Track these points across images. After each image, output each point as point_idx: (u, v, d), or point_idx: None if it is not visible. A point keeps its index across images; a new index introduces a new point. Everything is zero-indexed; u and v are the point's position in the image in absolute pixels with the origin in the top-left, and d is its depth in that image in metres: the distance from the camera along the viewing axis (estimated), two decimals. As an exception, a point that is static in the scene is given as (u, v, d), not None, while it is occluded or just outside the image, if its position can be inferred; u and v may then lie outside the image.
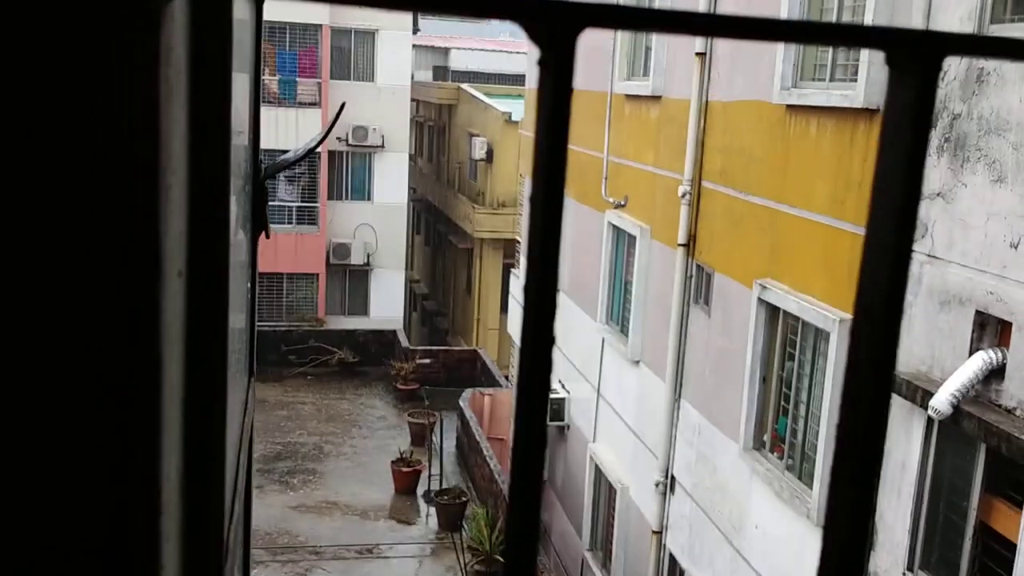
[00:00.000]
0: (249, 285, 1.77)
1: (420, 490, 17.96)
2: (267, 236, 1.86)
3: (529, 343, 0.52)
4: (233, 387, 1.24)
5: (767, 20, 0.59)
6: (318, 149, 25.46)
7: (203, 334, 0.72)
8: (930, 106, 0.60)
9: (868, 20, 7.50)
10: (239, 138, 1.42)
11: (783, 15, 8.69)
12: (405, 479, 17.89)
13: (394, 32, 26.71)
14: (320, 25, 25.69)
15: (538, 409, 0.55)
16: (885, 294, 0.56)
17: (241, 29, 1.53)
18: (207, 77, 0.68)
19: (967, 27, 6.49)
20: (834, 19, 8.27)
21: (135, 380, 0.54)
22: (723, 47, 10.17)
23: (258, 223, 1.78)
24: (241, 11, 1.39)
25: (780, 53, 8.77)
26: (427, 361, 23.35)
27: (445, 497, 16.91)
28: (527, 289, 0.54)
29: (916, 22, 6.92)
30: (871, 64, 7.46)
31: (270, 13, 24.66)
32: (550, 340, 0.54)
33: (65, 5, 0.49)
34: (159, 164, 0.51)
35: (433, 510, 17.09)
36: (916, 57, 0.59)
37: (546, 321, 0.54)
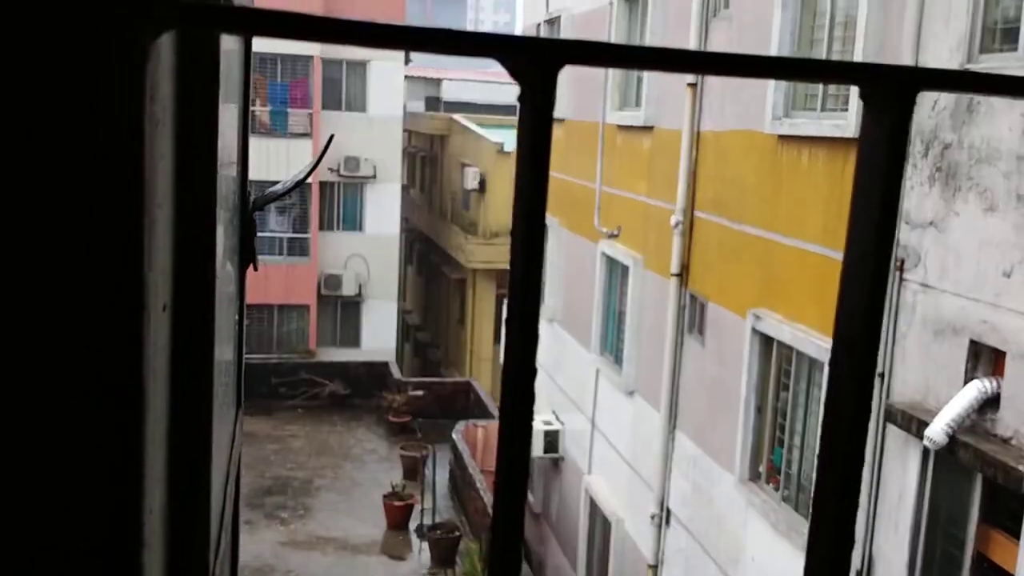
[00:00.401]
0: (237, 317, 1.77)
1: (413, 525, 17.81)
2: (255, 268, 1.86)
3: (512, 370, 0.52)
4: (220, 419, 1.23)
5: (743, 57, 0.59)
6: (308, 180, 25.53)
7: (189, 367, 0.72)
8: (904, 140, 0.60)
9: (858, 49, 7.57)
10: (227, 169, 1.43)
11: (773, 45, 8.77)
12: (397, 513, 17.74)
13: (386, 63, 26.87)
14: (311, 56, 25.83)
15: (521, 438, 0.55)
16: (863, 323, 0.56)
17: (229, 59, 1.54)
18: (194, 111, 0.68)
19: (956, 57, 6.55)
20: (824, 49, 8.35)
21: (117, 414, 0.53)
22: (715, 78, 10.25)
23: (246, 255, 1.78)
24: (229, 42, 1.39)
25: (772, 83, 8.84)
26: (419, 393, 23.25)
27: (438, 532, 16.78)
28: (508, 324, 0.54)
29: (906, 51, 6.99)
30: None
31: (261, 45, 24.81)
32: (532, 370, 0.54)
33: (50, 41, 0.49)
34: (144, 199, 0.51)
35: (426, 545, 16.94)
36: (890, 92, 0.60)
37: (528, 353, 0.54)
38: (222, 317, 1.43)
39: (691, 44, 10.45)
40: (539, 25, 16.23)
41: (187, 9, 0.51)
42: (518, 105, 0.54)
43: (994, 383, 6.11)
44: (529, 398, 0.55)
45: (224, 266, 1.53)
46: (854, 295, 0.60)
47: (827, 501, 0.60)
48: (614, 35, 12.83)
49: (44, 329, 0.52)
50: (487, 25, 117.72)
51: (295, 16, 0.50)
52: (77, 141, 0.49)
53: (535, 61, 0.55)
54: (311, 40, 0.50)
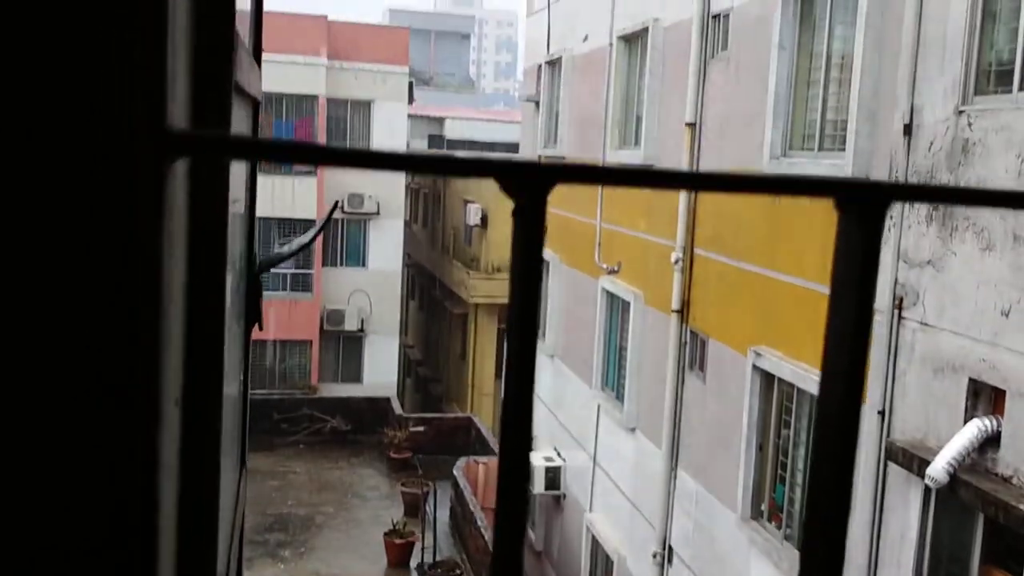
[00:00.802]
0: (242, 377, 1.80)
1: (413, 562, 17.69)
2: (260, 328, 1.89)
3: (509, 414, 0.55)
4: (224, 486, 1.25)
5: (725, 175, 0.63)
6: (302, 210, 25.64)
7: (196, 457, 0.75)
8: (876, 249, 0.64)
9: (854, 91, 7.65)
10: (236, 237, 1.47)
11: (771, 85, 8.87)
12: (398, 551, 17.63)
13: (389, 102, 27.10)
14: (316, 96, 26.06)
15: (519, 480, 0.58)
16: (839, 438, 0.59)
17: (237, 122, 1.58)
18: (205, 215, 0.71)
19: (951, 99, 6.63)
20: (820, 90, 8.44)
21: (129, 519, 0.56)
22: (713, 117, 10.35)
23: (252, 316, 1.81)
24: (238, 121, 1.44)
25: (769, 122, 8.93)
26: (420, 429, 23.18)
27: (439, 570, 16.66)
28: (502, 432, 0.57)
29: (901, 94, 7.07)
30: (858, 134, 7.60)
31: (267, 84, 25.03)
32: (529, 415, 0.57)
33: (72, 164, 0.53)
34: (160, 310, 0.54)
35: (427, 582, 16.82)
36: (863, 205, 0.64)
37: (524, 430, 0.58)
38: (228, 381, 1.46)
39: (690, 84, 10.56)
40: (540, 66, 16.39)
41: (201, 140, 0.55)
42: (512, 218, 0.58)
43: (994, 422, 6.12)
44: (527, 438, 0.59)
45: (231, 329, 1.56)
46: (834, 396, 0.63)
47: (816, 538, 0.63)
48: (613, 76, 12.96)
49: (67, 433, 0.55)
50: (490, 65, 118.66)
51: (302, 145, 0.54)
52: (99, 263, 0.53)
53: (527, 181, 0.59)
54: (320, 165, 0.54)
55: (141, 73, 0.51)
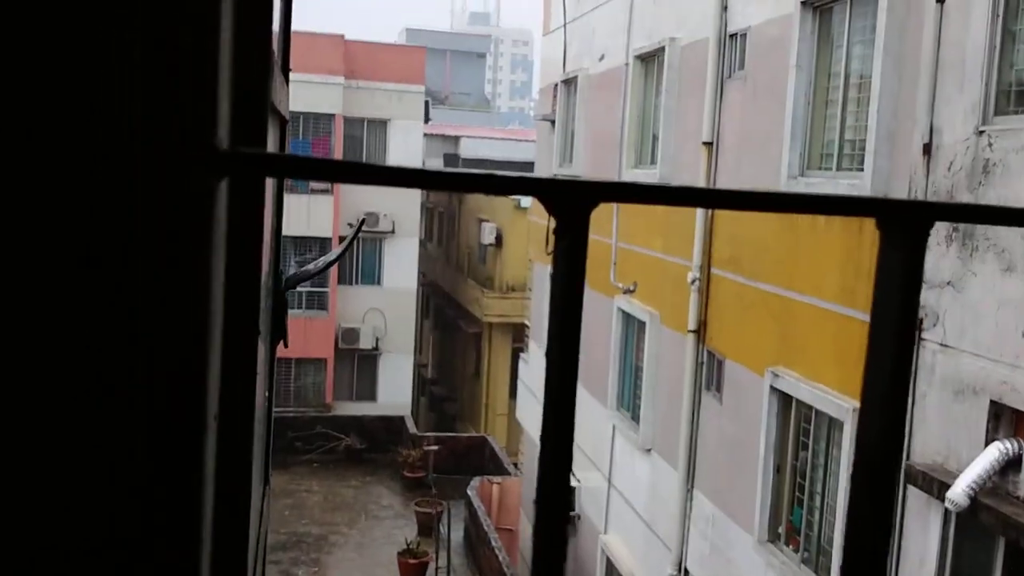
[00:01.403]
0: (267, 394, 1.80)
1: (428, 581, 17.63)
2: (286, 345, 1.90)
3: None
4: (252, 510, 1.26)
5: (767, 193, 0.62)
6: (318, 228, 25.72)
7: (229, 470, 0.74)
8: (919, 269, 0.63)
9: (872, 111, 7.63)
10: (264, 256, 1.47)
11: (788, 105, 8.86)
12: (412, 571, 17.57)
13: (405, 121, 27.23)
14: (333, 115, 26.22)
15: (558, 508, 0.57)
16: (882, 460, 0.58)
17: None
18: (242, 232, 0.72)
19: (971, 120, 6.60)
20: (838, 110, 8.42)
21: (174, 530, 0.56)
22: (729, 136, 10.34)
23: (278, 333, 1.81)
24: (270, 140, 1.45)
25: (787, 142, 8.91)
26: (435, 448, 23.14)
27: (454, 588, 16.59)
28: (542, 455, 0.57)
29: (921, 114, 7.04)
30: (877, 154, 7.57)
31: (285, 103, 25.17)
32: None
33: (128, 182, 0.53)
34: (208, 327, 0.54)
35: (441, 602, 16.75)
36: (905, 224, 0.63)
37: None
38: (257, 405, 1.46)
39: (706, 104, 10.56)
40: (556, 85, 16.44)
41: (247, 158, 0.55)
42: (554, 236, 0.58)
43: (1015, 444, 6.05)
44: (567, 465, 0.58)
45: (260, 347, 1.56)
46: (875, 422, 0.62)
47: (856, 567, 0.62)
48: (630, 95, 12.99)
49: (118, 446, 0.55)
50: (505, 84, 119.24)
51: (342, 163, 0.54)
52: (152, 279, 0.54)
53: (570, 200, 0.58)
54: (361, 183, 0.54)
55: (193, 92, 0.51)
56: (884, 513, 0.65)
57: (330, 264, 2.81)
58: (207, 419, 0.56)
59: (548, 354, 0.58)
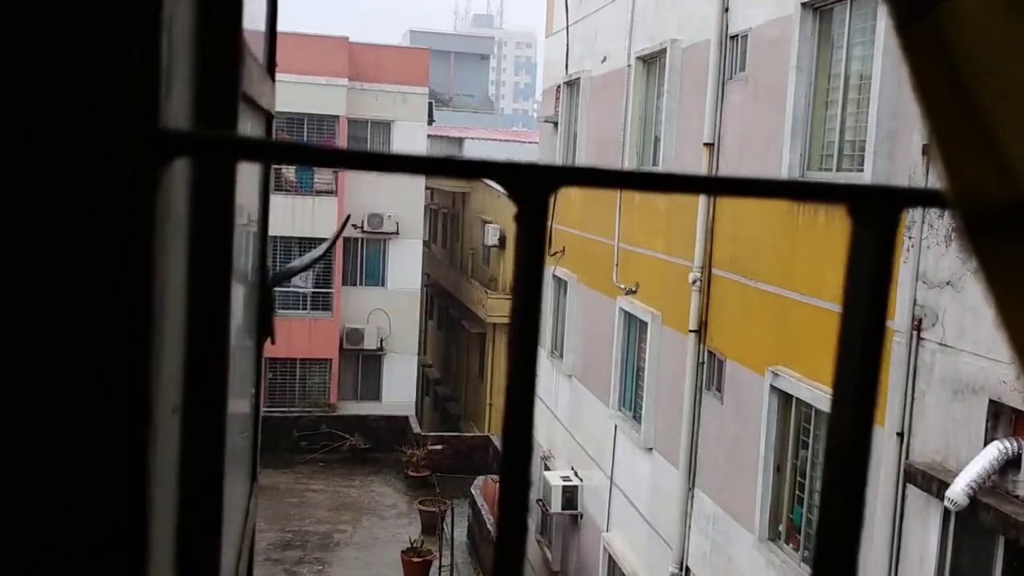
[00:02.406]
0: (254, 391, 1.80)
1: (431, 581, 17.64)
2: (272, 342, 1.90)
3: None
4: (232, 505, 1.25)
5: (736, 179, 0.63)
6: (322, 230, 25.75)
7: (200, 460, 0.75)
8: (890, 256, 0.63)
9: (872, 112, 7.63)
10: (247, 248, 1.47)
11: (789, 106, 8.85)
12: (416, 569, 17.58)
13: (409, 123, 27.25)
14: (337, 116, 26.24)
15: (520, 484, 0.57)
16: (852, 451, 0.58)
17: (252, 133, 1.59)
18: (210, 221, 0.71)
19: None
20: (839, 111, 8.42)
21: (119, 525, 0.55)
22: (731, 137, 10.34)
23: (264, 330, 1.82)
24: (252, 133, 1.45)
25: (787, 142, 8.91)
26: (439, 447, 23.16)
27: (456, 588, 16.59)
28: (504, 447, 0.57)
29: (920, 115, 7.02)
30: (876, 154, 7.57)
31: (289, 104, 25.23)
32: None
33: (65, 163, 0.53)
34: (151, 313, 0.54)
35: (444, 601, 16.75)
36: (876, 210, 0.63)
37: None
38: (239, 396, 1.47)
39: (708, 105, 10.56)
40: (559, 86, 16.44)
41: (195, 139, 0.55)
42: (515, 222, 0.58)
43: (1015, 443, 6.05)
44: (528, 444, 0.58)
45: (244, 341, 1.57)
46: (846, 413, 0.62)
47: (829, 556, 0.62)
48: (632, 96, 12.98)
49: (52, 441, 0.54)
50: (509, 86, 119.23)
51: (296, 145, 0.53)
52: (90, 262, 0.53)
53: (531, 185, 0.58)
54: (315, 166, 0.53)
55: (134, 71, 0.51)
56: (855, 507, 0.65)
57: (316, 260, 2.81)
58: (154, 409, 0.56)
59: (510, 337, 0.58)
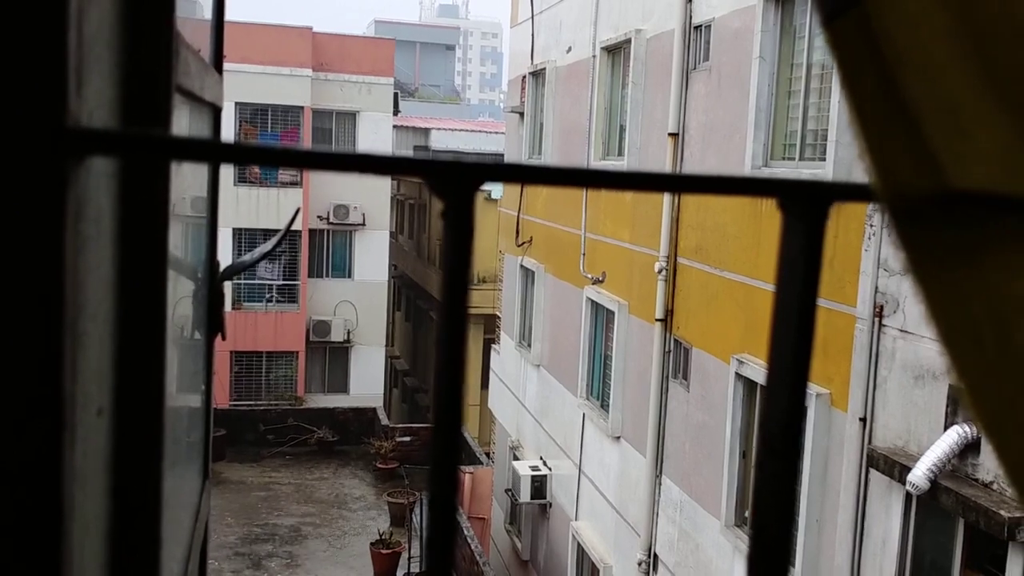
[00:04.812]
0: (204, 386, 1.78)
1: (400, 572, 17.63)
2: (223, 338, 1.88)
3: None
4: (182, 492, 1.24)
5: (656, 174, 0.63)
6: (295, 228, 25.58)
7: (133, 467, 0.73)
8: (819, 248, 0.64)
9: (834, 101, 7.69)
10: (193, 242, 1.45)
11: (752, 95, 8.90)
12: (384, 561, 17.57)
13: (375, 113, 27.10)
14: (302, 107, 26.05)
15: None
16: (784, 432, 0.58)
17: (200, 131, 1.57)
18: (141, 217, 0.70)
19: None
20: (801, 100, 8.48)
21: (36, 527, 0.54)
22: (695, 127, 10.38)
23: (214, 325, 1.80)
24: (198, 128, 1.43)
25: (750, 132, 8.96)
26: (407, 439, 23.13)
27: (426, 579, 16.59)
28: (433, 433, 0.56)
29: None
30: (839, 144, 7.63)
31: (253, 95, 24.99)
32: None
33: None
34: (62, 314, 0.52)
35: (414, 593, 16.76)
36: (805, 204, 0.63)
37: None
38: (187, 392, 1.45)
39: (672, 95, 10.60)
40: (524, 77, 16.43)
41: (106, 137, 0.53)
42: (441, 219, 0.58)
43: (974, 428, 6.14)
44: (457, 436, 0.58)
45: (192, 336, 1.55)
46: (778, 399, 0.62)
47: (762, 539, 0.62)
48: (597, 86, 13.00)
49: None
50: (475, 76, 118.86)
51: (213, 143, 0.53)
52: None
53: (453, 180, 0.58)
54: (230, 163, 0.52)
55: (37, 68, 0.50)
56: (786, 492, 0.65)
57: (266, 255, 2.79)
58: (70, 412, 0.54)
59: (437, 339, 0.58)
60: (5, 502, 0.51)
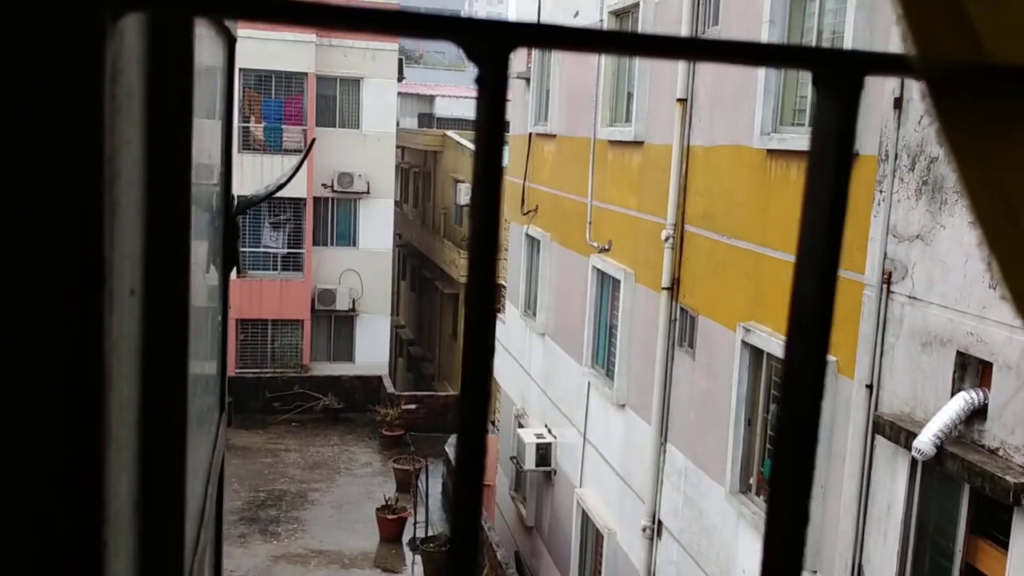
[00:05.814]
0: (220, 318, 1.78)
1: (406, 538, 17.77)
2: (239, 272, 1.88)
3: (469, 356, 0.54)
4: (200, 418, 1.24)
5: (691, 40, 0.61)
6: (292, 189, 25.53)
7: (162, 353, 0.73)
8: (853, 123, 0.63)
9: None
10: (210, 174, 1.45)
11: (760, 72, 8.81)
12: (390, 527, 17.70)
13: (379, 80, 26.96)
14: (306, 73, 25.92)
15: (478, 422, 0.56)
16: (815, 309, 0.57)
17: (210, 74, 1.56)
18: (167, 101, 0.69)
19: (941, 72, 6.59)
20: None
21: (76, 396, 0.54)
22: (704, 93, 10.31)
23: (230, 259, 1.79)
24: (213, 56, 1.42)
25: (760, 99, 8.90)
26: (412, 407, 23.23)
27: (431, 545, 16.73)
28: (467, 299, 0.56)
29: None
30: (848, 109, 7.57)
31: (256, 62, 24.87)
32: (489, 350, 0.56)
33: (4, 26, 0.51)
34: (102, 180, 0.52)
35: (419, 558, 16.90)
36: (840, 76, 0.62)
37: (486, 334, 0.56)
38: (203, 314, 1.45)
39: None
40: (531, 40, 16.30)
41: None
42: (475, 86, 0.56)
43: (981, 394, 6.14)
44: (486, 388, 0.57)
45: (208, 267, 1.54)
46: (806, 283, 0.61)
47: (783, 487, 0.61)
48: (605, 50, 12.89)
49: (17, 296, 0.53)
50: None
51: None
52: (31, 122, 0.51)
53: (490, 42, 0.57)
54: (261, 20, 0.51)
55: None
56: (817, 372, 0.64)
57: (280, 187, 2.79)
58: (110, 292, 0.54)
59: (471, 212, 0.56)
60: (50, 356, 0.51)
